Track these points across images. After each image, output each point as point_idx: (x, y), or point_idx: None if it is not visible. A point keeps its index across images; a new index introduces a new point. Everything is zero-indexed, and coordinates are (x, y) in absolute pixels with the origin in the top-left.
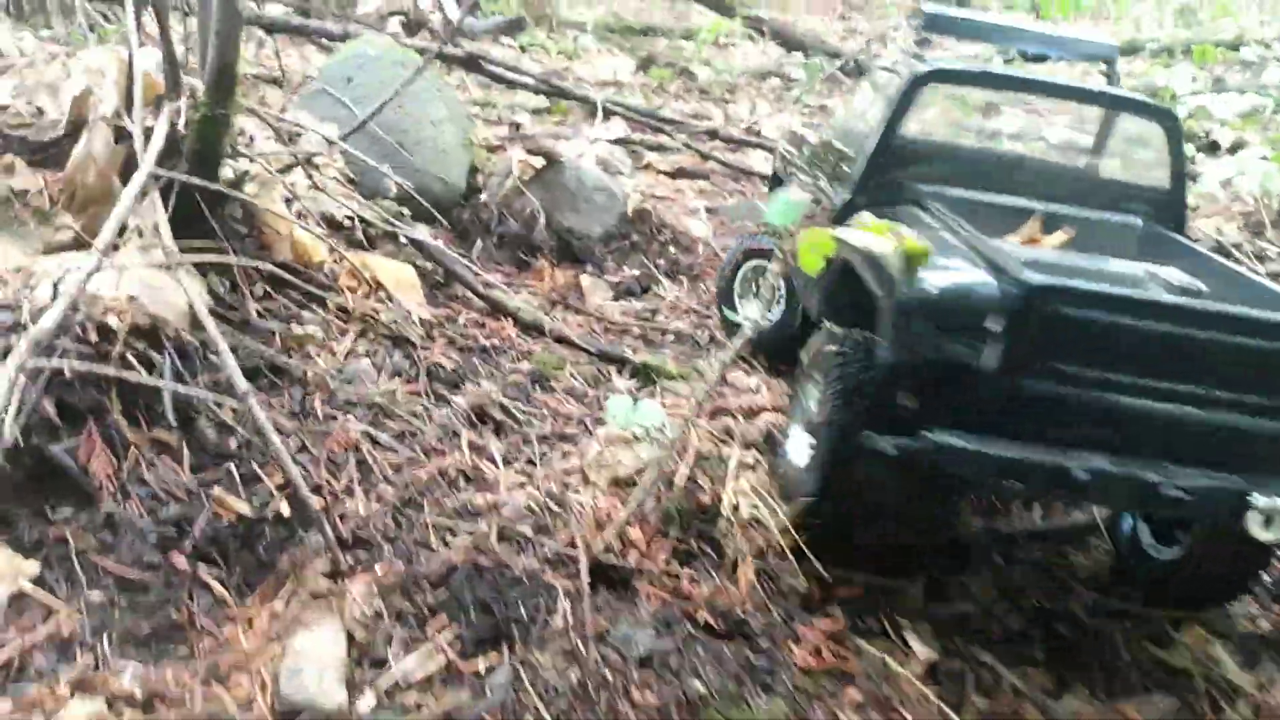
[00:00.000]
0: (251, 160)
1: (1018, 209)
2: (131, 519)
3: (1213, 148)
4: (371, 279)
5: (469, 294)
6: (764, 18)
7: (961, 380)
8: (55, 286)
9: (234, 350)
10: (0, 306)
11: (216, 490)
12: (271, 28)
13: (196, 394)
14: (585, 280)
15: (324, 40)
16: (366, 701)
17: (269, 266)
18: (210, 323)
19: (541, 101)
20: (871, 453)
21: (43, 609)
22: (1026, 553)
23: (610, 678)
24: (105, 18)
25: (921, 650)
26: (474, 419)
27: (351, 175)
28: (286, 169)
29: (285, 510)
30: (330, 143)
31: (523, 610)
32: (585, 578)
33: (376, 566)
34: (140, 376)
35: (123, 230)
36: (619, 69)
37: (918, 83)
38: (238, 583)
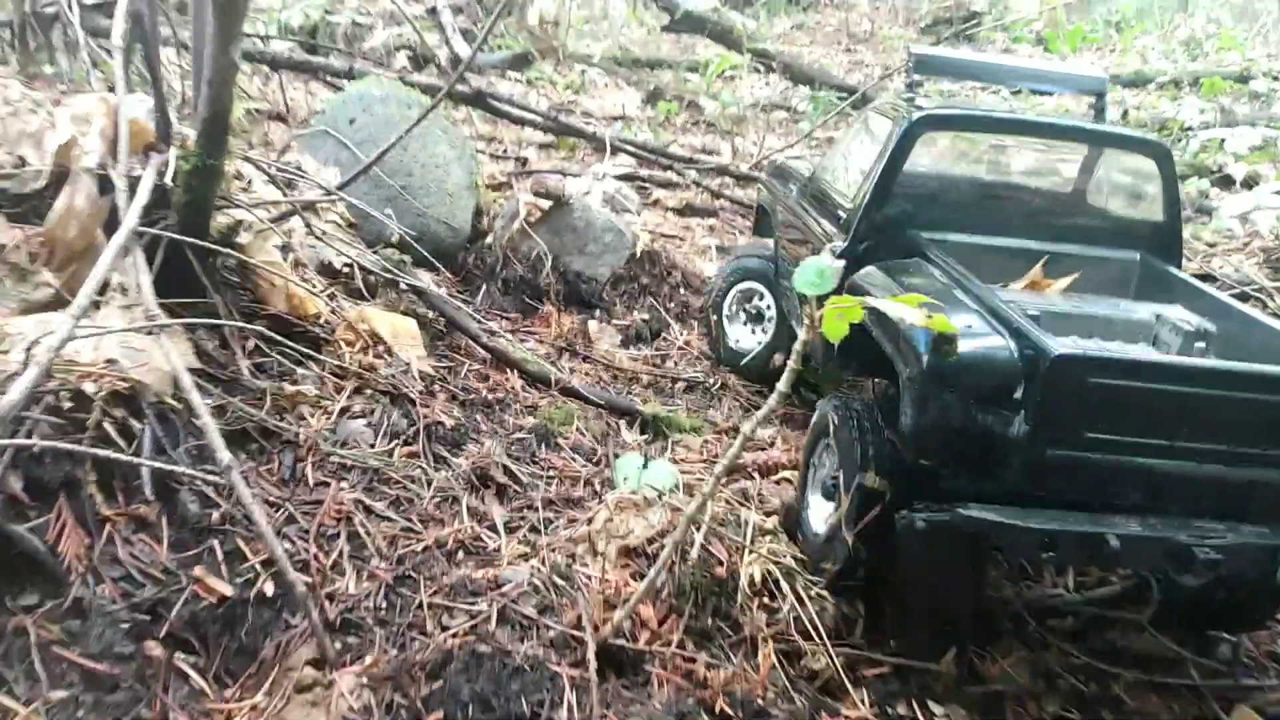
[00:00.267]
0: (247, 209)
1: (1019, 251)
2: (102, 604)
3: (1226, 182)
4: (369, 332)
5: (472, 344)
6: (771, 52)
7: (988, 448)
8: (27, 354)
9: (222, 411)
10: None
11: (197, 569)
12: (275, 63)
13: (175, 469)
14: (593, 325)
15: (329, 77)
16: None
17: (257, 329)
18: (195, 395)
19: (548, 135)
20: (903, 527)
21: None
22: (1061, 623)
23: None
24: (110, 54)
25: None
26: (475, 482)
27: (353, 219)
28: (283, 217)
29: (270, 590)
30: (329, 193)
31: (524, 704)
32: (592, 665)
33: (367, 656)
34: (115, 454)
35: (105, 288)
36: (626, 102)
37: (912, 132)
38: (217, 671)
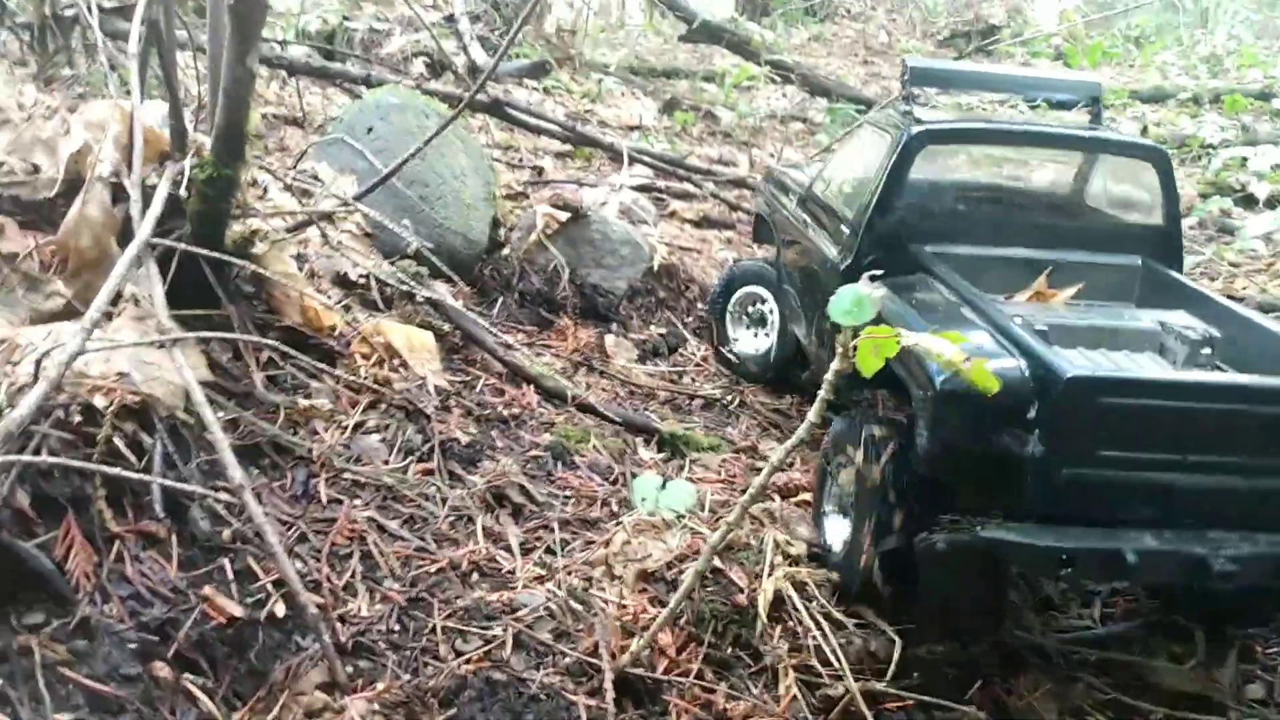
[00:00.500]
0: (262, 219)
1: (1021, 260)
2: (110, 624)
3: (1249, 201)
4: (385, 345)
5: (488, 358)
6: (789, 63)
7: (1003, 469)
8: (37, 367)
9: (234, 425)
10: None
11: (206, 589)
12: (292, 68)
13: (187, 488)
14: (609, 340)
15: (346, 84)
16: None
17: (272, 342)
18: (207, 409)
19: (565, 144)
20: (924, 549)
21: None
22: (1085, 655)
23: None
24: (128, 56)
25: None
26: (490, 501)
27: (369, 230)
28: (299, 227)
29: (281, 611)
30: (345, 204)
31: None
32: (610, 695)
33: (379, 681)
34: (125, 470)
35: (117, 299)
36: (642, 112)
37: (912, 146)
38: (225, 694)
